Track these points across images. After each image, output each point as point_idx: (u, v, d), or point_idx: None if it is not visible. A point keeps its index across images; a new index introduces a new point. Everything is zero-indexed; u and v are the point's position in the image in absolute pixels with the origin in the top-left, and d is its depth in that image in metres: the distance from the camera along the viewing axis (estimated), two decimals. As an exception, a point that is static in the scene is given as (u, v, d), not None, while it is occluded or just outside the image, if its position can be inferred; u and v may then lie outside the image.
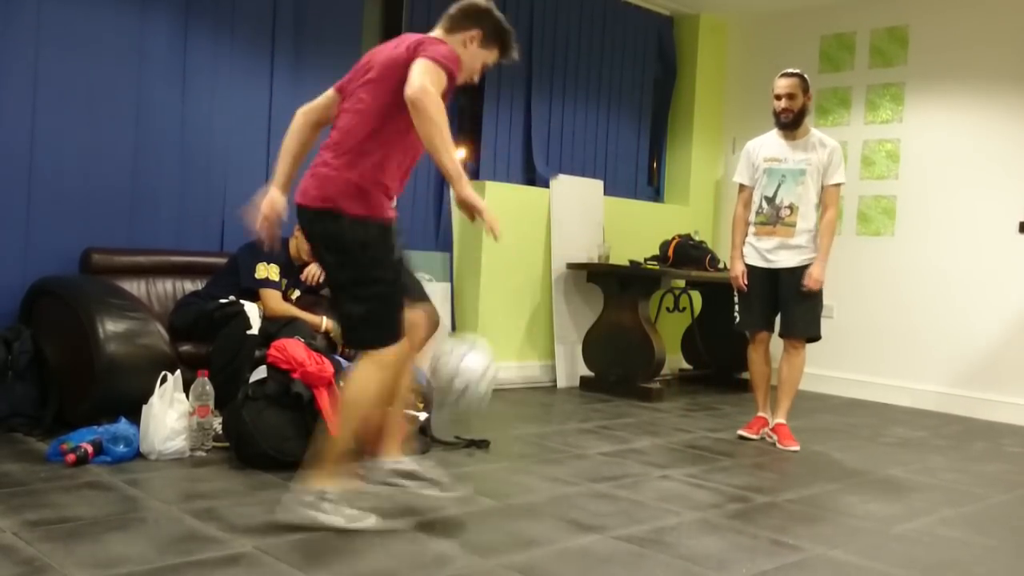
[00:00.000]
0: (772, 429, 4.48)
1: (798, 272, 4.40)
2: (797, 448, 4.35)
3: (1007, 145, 5.80)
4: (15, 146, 4.10)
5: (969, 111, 5.97)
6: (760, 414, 4.60)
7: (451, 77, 2.58)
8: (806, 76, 4.45)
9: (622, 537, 2.82)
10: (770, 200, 4.47)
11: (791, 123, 4.42)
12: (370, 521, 2.72)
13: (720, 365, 6.50)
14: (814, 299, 4.43)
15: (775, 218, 4.45)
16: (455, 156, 2.50)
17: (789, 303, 4.44)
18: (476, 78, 2.91)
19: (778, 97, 4.43)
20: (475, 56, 2.83)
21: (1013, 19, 5.79)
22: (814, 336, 4.47)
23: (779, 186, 4.44)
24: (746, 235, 4.59)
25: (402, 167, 2.76)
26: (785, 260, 4.42)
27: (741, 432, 4.57)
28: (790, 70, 4.49)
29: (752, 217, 4.53)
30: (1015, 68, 5.78)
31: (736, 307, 4.61)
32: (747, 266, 4.54)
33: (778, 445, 4.39)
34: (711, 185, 7.29)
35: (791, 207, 4.41)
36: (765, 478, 3.76)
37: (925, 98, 6.16)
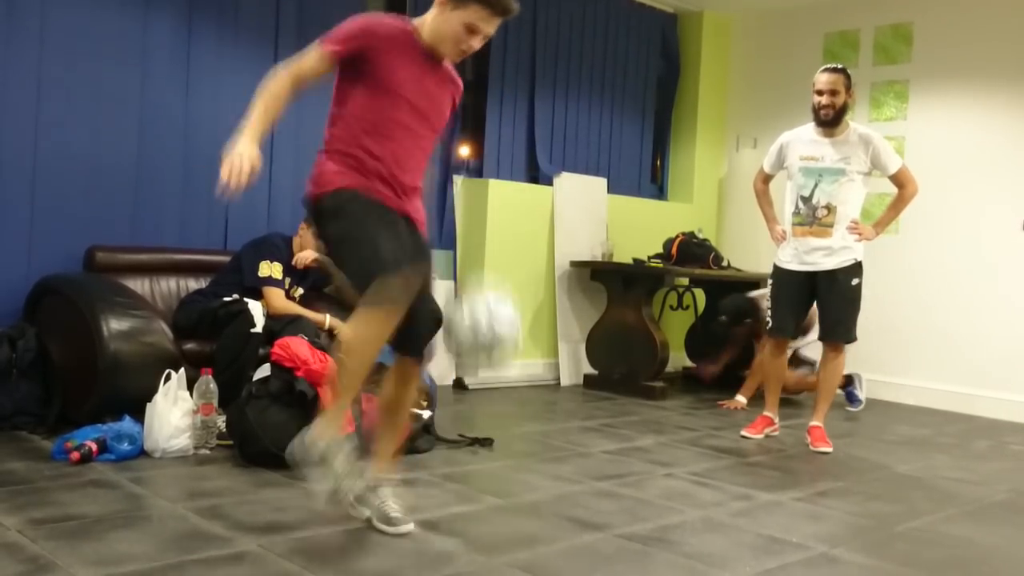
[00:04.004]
0: (807, 430, 4.41)
1: (837, 275, 4.28)
2: (830, 450, 4.28)
3: (1012, 143, 5.78)
4: (19, 146, 4.10)
5: (974, 109, 5.95)
6: (766, 413, 4.58)
7: (335, 41, 2.60)
8: (849, 72, 4.29)
9: (626, 535, 2.81)
10: (806, 200, 4.31)
11: (831, 121, 4.25)
12: (403, 527, 2.65)
13: (724, 363, 6.49)
14: (854, 303, 4.32)
15: (811, 218, 4.30)
16: (257, 114, 2.54)
17: (829, 307, 4.33)
18: (468, 46, 2.63)
19: (819, 93, 4.25)
20: (450, 21, 2.58)
21: (1018, 16, 5.77)
22: (852, 339, 4.39)
23: (815, 186, 4.29)
24: (771, 204, 4.59)
25: (375, 132, 2.62)
26: (822, 263, 4.29)
27: (744, 432, 4.55)
28: (833, 65, 4.34)
29: (789, 216, 4.41)
30: (1020, 65, 5.76)
31: (768, 312, 4.52)
32: (783, 270, 4.43)
33: (811, 446, 4.32)
34: (715, 183, 7.28)
35: (828, 207, 4.26)
36: (769, 476, 3.76)
37: (930, 96, 6.14)
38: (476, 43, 2.63)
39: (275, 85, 2.56)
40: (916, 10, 6.20)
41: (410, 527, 2.68)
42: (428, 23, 2.65)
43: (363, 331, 2.51)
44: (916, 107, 6.20)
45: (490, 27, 2.61)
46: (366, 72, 2.60)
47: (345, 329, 2.63)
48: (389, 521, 2.66)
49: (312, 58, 2.59)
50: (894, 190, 4.43)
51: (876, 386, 6.19)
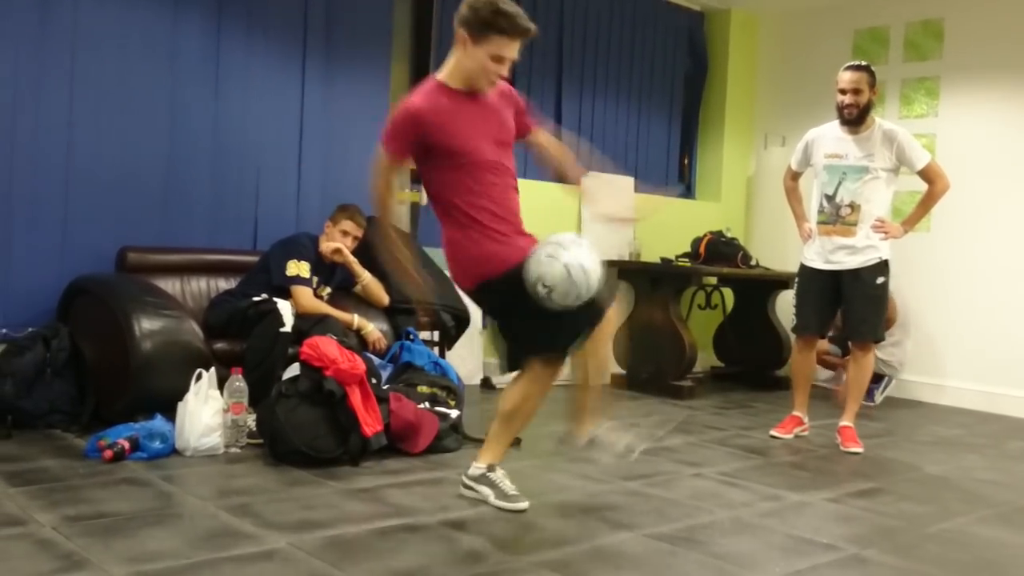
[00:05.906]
0: (837, 430, 4.38)
1: (861, 274, 4.25)
2: (861, 450, 4.24)
3: (1045, 139, 5.71)
4: (52, 147, 4.15)
5: (1006, 105, 5.87)
6: (795, 413, 4.55)
7: (388, 137, 2.78)
8: (872, 69, 4.27)
9: (654, 535, 2.81)
10: (830, 198, 4.29)
11: (855, 119, 4.23)
12: (520, 504, 2.91)
13: (753, 363, 6.45)
14: (879, 302, 4.29)
15: (835, 217, 4.28)
16: (378, 202, 2.87)
17: (854, 306, 4.29)
18: (498, 74, 2.76)
19: (842, 91, 4.22)
20: (475, 57, 2.70)
21: (1052, 11, 5.70)
22: (879, 338, 4.38)
23: (839, 184, 4.27)
24: (800, 202, 4.56)
25: (471, 192, 2.81)
26: (846, 262, 4.27)
27: (773, 432, 4.52)
28: (856, 62, 4.32)
29: (814, 215, 4.39)
30: (1054, 61, 5.69)
31: (794, 310, 4.50)
32: (808, 268, 4.41)
33: (841, 447, 4.29)
34: (743, 181, 7.24)
35: (852, 206, 4.24)
36: (798, 477, 3.73)
37: (961, 92, 6.07)
38: (504, 70, 2.75)
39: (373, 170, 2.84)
40: (947, 6, 6.13)
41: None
42: (455, 66, 2.76)
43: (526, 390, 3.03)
44: (947, 104, 6.13)
45: (513, 52, 2.73)
46: (433, 152, 2.76)
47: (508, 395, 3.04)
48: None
49: (385, 159, 2.80)
50: (923, 187, 4.38)
51: (907, 386, 6.12)
